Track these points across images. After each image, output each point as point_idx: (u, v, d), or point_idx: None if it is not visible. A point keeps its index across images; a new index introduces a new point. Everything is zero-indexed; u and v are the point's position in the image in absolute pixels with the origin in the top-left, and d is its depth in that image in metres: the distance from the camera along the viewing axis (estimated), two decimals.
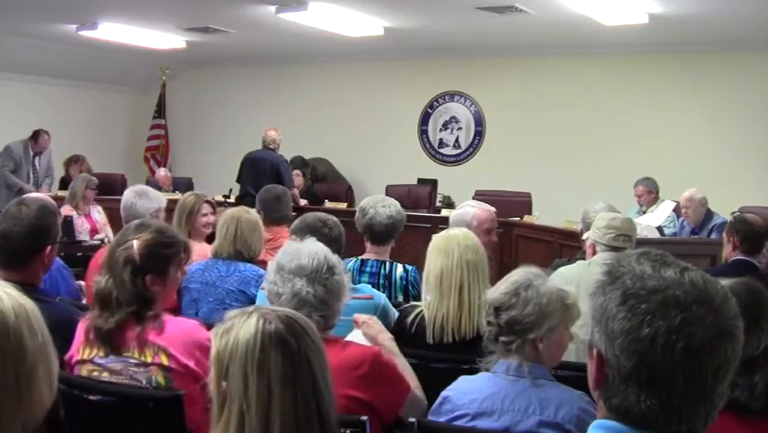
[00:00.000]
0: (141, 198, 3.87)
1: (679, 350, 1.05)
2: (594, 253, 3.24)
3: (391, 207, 3.61)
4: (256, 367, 1.28)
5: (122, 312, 2.18)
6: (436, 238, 2.86)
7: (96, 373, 2.21)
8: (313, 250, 2.15)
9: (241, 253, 3.44)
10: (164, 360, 2.16)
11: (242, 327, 1.32)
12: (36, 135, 8.15)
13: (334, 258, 2.17)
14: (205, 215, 4.09)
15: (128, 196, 3.92)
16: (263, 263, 4.08)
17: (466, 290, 2.69)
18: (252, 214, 3.60)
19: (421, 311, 2.79)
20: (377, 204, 3.62)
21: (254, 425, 1.26)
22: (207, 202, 4.17)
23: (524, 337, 2.03)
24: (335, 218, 3.34)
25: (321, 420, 1.31)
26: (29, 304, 1.23)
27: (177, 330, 2.20)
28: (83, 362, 2.24)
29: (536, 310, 2.03)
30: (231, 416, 1.27)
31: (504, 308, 2.06)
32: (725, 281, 1.53)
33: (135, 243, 2.24)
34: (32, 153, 8.19)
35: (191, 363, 2.16)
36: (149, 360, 2.17)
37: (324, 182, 9.15)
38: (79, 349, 2.25)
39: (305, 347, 1.32)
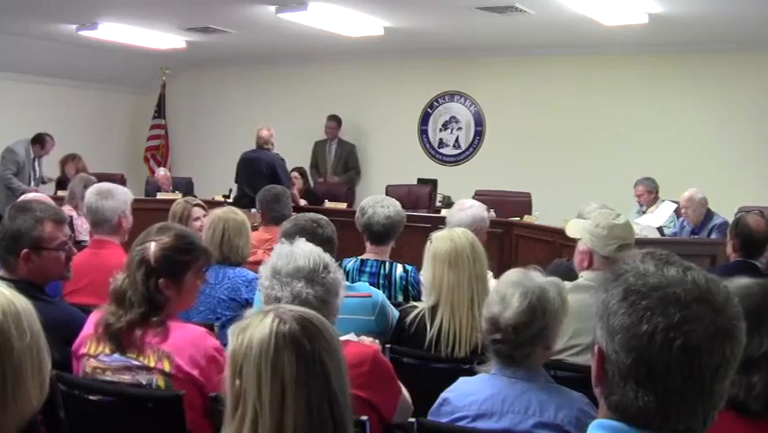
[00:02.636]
0: (107, 198, 3.45)
1: (677, 348, 1.05)
2: (591, 262, 2.94)
3: (390, 207, 3.60)
4: (270, 368, 1.28)
5: (133, 312, 2.18)
6: (439, 242, 2.80)
7: (98, 371, 2.22)
8: (306, 251, 2.15)
9: (228, 258, 3.38)
10: (166, 366, 2.15)
11: (257, 326, 1.33)
12: (42, 141, 8.10)
13: (327, 256, 2.18)
14: (197, 219, 4.03)
15: (91, 198, 3.49)
16: (260, 264, 4.09)
17: (476, 303, 2.68)
18: (239, 215, 3.54)
19: (420, 312, 2.79)
20: (376, 204, 3.61)
21: (268, 425, 1.26)
22: (198, 206, 4.12)
23: (535, 347, 2.03)
24: (326, 218, 3.32)
25: (335, 423, 1.31)
26: (21, 303, 1.22)
27: (183, 337, 2.19)
28: (88, 356, 2.24)
29: (550, 320, 2.04)
30: (245, 415, 1.27)
31: (522, 327, 2.01)
32: (742, 280, 1.53)
33: (153, 244, 2.24)
34: (32, 155, 8.19)
35: (195, 372, 2.15)
36: (151, 364, 2.16)
37: (348, 161, 9.34)
38: (86, 342, 2.26)
39: (318, 349, 1.32)
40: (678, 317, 1.06)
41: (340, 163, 9.31)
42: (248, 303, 3.15)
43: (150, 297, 2.19)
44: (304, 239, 2.27)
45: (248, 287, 3.24)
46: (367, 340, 2.55)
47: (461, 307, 2.69)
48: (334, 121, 9.34)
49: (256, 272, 3.89)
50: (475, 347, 2.63)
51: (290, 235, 3.12)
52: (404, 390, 2.27)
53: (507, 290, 2.06)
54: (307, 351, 1.30)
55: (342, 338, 2.18)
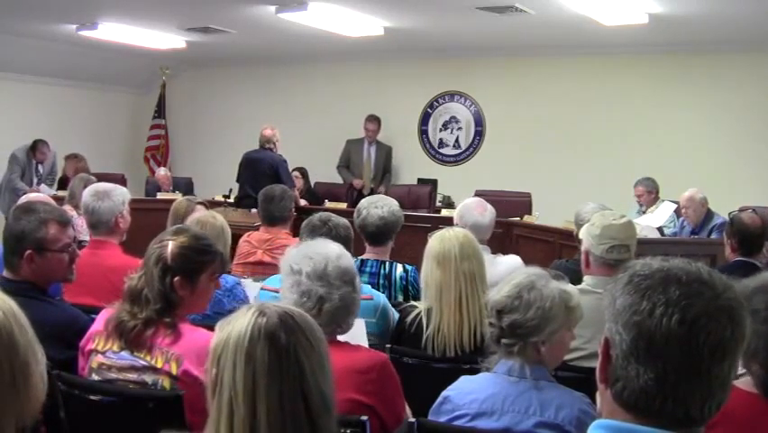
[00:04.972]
0: (103, 199, 3.43)
1: (675, 321, 1.08)
2: (588, 262, 2.94)
3: (384, 207, 3.59)
4: (244, 357, 1.31)
5: (149, 310, 2.19)
6: (432, 242, 2.82)
7: (104, 367, 2.22)
8: (329, 251, 2.17)
9: None
10: (173, 369, 2.15)
11: (238, 319, 1.37)
12: (34, 148, 8.29)
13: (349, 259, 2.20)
14: None
15: (87, 199, 3.48)
16: (260, 264, 4.09)
17: (465, 303, 2.68)
18: (218, 219, 3.45)
19: (420, 312, 2.80)
20: (370, 205, 3.61)
21: (242, 413, 1.29)
22: (200, 204, 4.09)
23: (526, 340, 2.02)
24: (341, 220, 3.29)
25: (310, 419, 1.32)
26: (12, 302, 1.26)
27: (194, 340, 2.19)
28: (96, 352, 2.25)
29: (539, 314, 2.02)
30: (222, 403, 1.31)
31: (506, 311, 2.05)
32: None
33: (170, 243, 2.26)
34: (34, 162, 8.35)
35: (202, 376, 2.14)
36: (159, 365, 2.16)
37: (386, 165, 9.02)
38: (95, 338, 2.26)
39: (294, 343, 1.34)
40: (678, 293, 1.09)
41: (379, 168, 8.95)
42: (232, 313, 3.08)
43: (166, 294, 2.20)
44: (344, 246, 2.28)
45: (230, 296, 3.17)
46: None
47: (450, 307, 2.70)
48: (375, 123, 8.88)
49: (256, 273, 3.95)
50: (465, 349, 2.65)
51: (303, 234, 3.16)
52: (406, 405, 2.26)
53: (509, 279, 2.10)
54: (281, 344, 1.33)
55: (354, 343, 2.19)
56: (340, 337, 2.18)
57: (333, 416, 1.37)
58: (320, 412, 1.33)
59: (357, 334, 2.59)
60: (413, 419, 2.05)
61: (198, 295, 2.30)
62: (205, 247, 2.33)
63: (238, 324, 1.36)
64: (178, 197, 5.68)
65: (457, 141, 9.30)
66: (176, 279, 2.22)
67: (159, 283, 2.20)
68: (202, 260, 2.30)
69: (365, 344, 2.64)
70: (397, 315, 2.96)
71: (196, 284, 2.27)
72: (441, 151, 9.39)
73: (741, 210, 4.60)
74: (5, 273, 2.52)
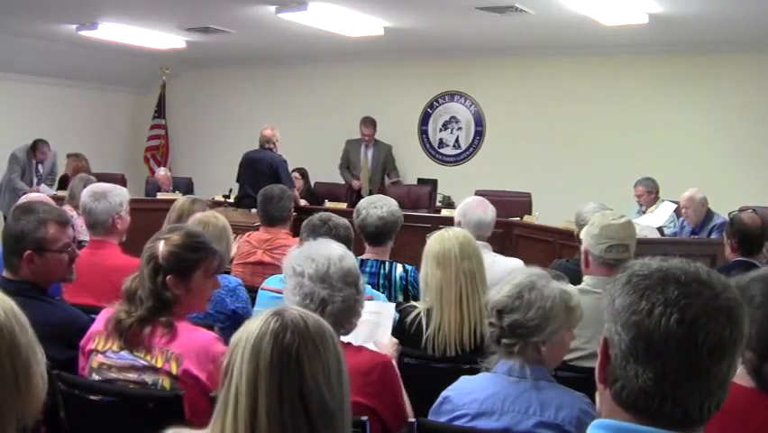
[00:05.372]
0: (100, 200, 3.41)
1: (674, 321, 1.08)
2: (587, 262, 2.95)
3: (383, 207, 3.59)
4: (250, 351, 1.36)
5: (143, 308, 2.19)
6: (432, 242, 2.83)
7: (104, 367, 2.22)
8: (332, 252, 2.17)
9: None
10: (173, 368, 2.15)
11: (258, 319, 1.43)
12: (35, 146, 8.32)
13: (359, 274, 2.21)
14: None
15: (84, 200, 3.46)
16: (260, 264, 4.10)
17: (466, 302, 2.69)
18: (220, 219, 3.41)
19: (419, 312, 2.80)
20: (369, 205, 3.62)
21: (244, 403, 1.35)
22: (207, 205, 4.05)
23: (526, 340, 2.02)
24: (341, 220, 3.30)
25: (309, 419, 1.34)
26: (12, 302, 1.27)
27: (194, 340, 2.19)
28: (96, 352, 2.25)
29: (540, 314, 2.02)
30: (229, 393, 1.38)
31: (507, 311, 2.05)
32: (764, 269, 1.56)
33: (162, 242, 2.26)
34: (34, 161, 8.38)
35: (202, 376, 2.14)
36: (159, 365, 2.16)
37: (387, 164, 8.95)
38: (95, 338, 2.27)
39: (299, 345, 1.37)
40: (677, 293, 1.09)
41: (378, 168, 8.91)
42: (234, 314, 3.06)
43: (158, 293, 2.20)
44: (345, 246, 2.27)
45: (233, 296, 3.14)
46: (386, 342, 2.55)
47: (450, 306, 2.70)
48: (371, 127, 8.78)
49: (256, 273, 3.95)
50: (465, 348, 2.65)
51: (304, 234, 3.16)
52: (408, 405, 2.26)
53: (510, 279, 2.10)
54: (285, 344, 1.37)
55: (357, 344, 2.19)
56: (344, 338, 2.18)
57: (338, 424, 1.38)
58: (319, 416, 1.35)
59: (384, 319, 2.63)
60: (413, 419, 2.05)
61: (195, 293, 2.29)
62: (198, 245, 2.31)
63: (255, 322, 1.42)
64: (178, 197, 5.67)
65: (457, 141, 9.30)
66: (168, 277, 2.22)
67: (149, 282, 2.21)
68: (194, 257, 2.28)
69: (389, 327, 2.65)
70: (397, 315, 2.96)
71: (190, 282, 2.27)
72: (441, 151, 9.39)
73: (741, 210, 4.61)
74: (5, 273, 2.52)
